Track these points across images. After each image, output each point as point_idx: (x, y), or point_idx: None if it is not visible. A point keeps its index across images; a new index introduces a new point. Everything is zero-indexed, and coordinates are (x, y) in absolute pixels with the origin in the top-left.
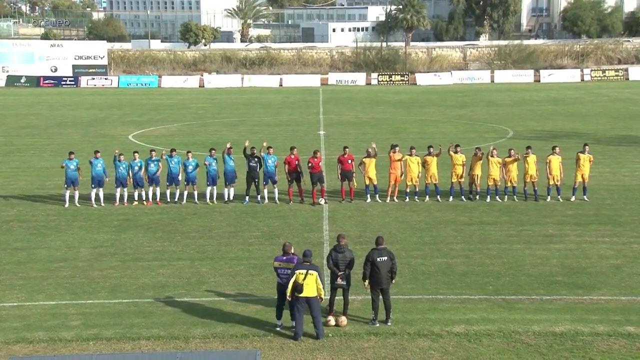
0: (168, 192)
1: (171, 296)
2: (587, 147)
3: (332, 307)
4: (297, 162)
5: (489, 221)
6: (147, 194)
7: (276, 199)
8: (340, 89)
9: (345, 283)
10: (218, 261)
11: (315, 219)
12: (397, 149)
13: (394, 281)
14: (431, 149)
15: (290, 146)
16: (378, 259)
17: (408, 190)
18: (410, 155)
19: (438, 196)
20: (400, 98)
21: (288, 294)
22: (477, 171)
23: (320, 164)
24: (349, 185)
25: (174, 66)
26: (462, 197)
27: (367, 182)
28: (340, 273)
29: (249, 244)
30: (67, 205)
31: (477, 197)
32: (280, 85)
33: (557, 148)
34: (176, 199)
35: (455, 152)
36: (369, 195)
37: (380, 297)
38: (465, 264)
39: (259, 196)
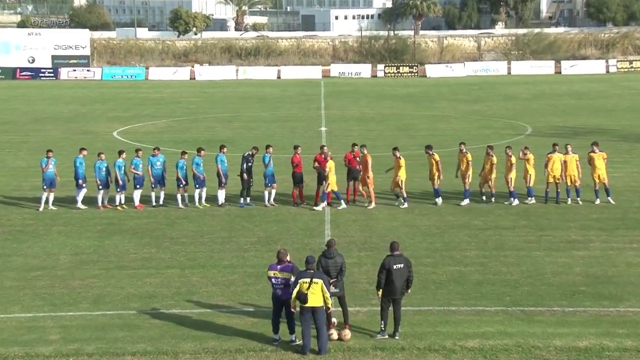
0: (153, 195)
1: (159, 308)
2: (595, 146)
3: (331, 319)
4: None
5: (505, 225)
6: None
7: (272, 200)
8: (344, 82)
9: (338, 290)
10: (210, 269)
11: (316, 223)
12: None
13: (408, 291)
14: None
15: (293, 144)
16: (394, 267)
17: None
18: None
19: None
20: (408, 91)
21: (292, 305)
22: (493, 174)
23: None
24: (354, 185)
25: (163, 57)
26: (483, 197)
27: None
28: (332, 280)
29: (244, 250)
30: (41, 209)
31: (493, 199)
32: (278, 77)
33: (569, 146)
34: (156, 202)
35: (461, 150)
36: (342, 201)
37: (390, 307)
38: (480, 273)
39: (248, 198)
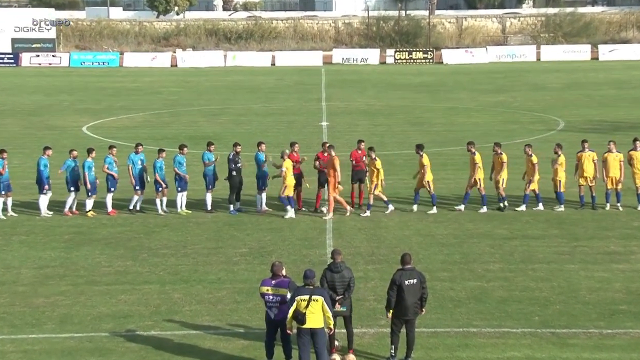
0: (135, 198)
1: (135, 329)
2: (612, 143)
3: (334, 341)
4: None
5: (534, 235)
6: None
7: (264, 205)
8: (348, 69)
9: (345, 309)
10: (194, 285)
11: (316, 232)
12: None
13: (423, 311)
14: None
15: (290, 141)
16: (406, 283)
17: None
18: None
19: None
20: (422, 80)
21: (287, 326)
22: (504, 174)
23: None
24: (360, 188)
25: (140, 40)
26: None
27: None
28: (338, 297)
29: (234, 263)
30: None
31: (503, 204)
32: (273, 64)
33: (612, 143)
34: (133, 207)
35: (469, 151)
36: (290, 209)
37: (402, 329)
38: (504, 289)
39: (238, 204)
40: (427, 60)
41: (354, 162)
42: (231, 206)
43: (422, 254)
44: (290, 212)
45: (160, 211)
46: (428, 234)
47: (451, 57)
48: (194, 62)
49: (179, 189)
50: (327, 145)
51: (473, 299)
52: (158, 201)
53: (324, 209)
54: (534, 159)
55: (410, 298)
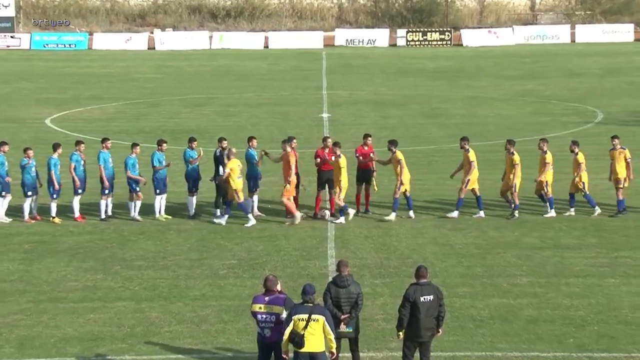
0: (103, 203)
1: (106, 353)
2: (616, 140)
3: None
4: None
5: (568, 244)
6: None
7: (256, 209)
8: (352, 53)
9: (351, 330)
10: (175, 302)
11: (316, 241)
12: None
13: (439, 332)
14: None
15: (288, 136)
16: (421, 299)
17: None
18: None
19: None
20: (438, 65)
21: (283, 350)
22: (517, 177)
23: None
24: (366, 189)
25: (112, 19)
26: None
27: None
28: (344, 316)
29: (221, 276)
30: None
31: (516, 213)
32: (266, 46)
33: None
34: (104, 213)
35: (462, 148)
36: (223, 217)
37: (416, 353)
38: (534, 307)
39: (219, 209)
40: (444, 42)
41: (360, 158)
42: (217, 211)
43: (439, 266)
44: (251, 220)
45: (135, 216)
46: (445, 243)
47: (472, 38)
48: (174, 44)
49: (157, 191)
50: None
51: (498, 318)
52: (132, 205)
53: (325, 212)
54: (549, 157)
55: (425, 317)
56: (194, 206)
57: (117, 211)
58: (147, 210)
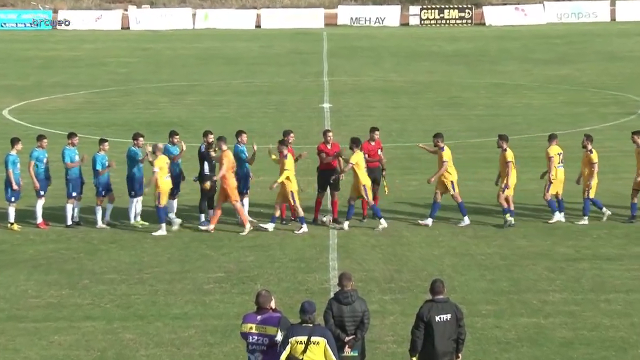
0: (69, 207)
1: None
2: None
3: None
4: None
5: (608, 254)
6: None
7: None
8: (358, 33)
9: (357, 354)
10: (153, 321)
11: (315, 251)
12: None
13: (459, 357)
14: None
15: (283, 130)
16: (437, 319)
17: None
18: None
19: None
20: (457, 48)
21: None
22: (511, 178)
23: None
24: (374, 191)
25: None
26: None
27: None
28: (348, 338)
29: (205, 292)
30: None
31: (512, 219)
32: (257, 26)
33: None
34: (72, 219)
35: (436, 146)
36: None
37: None
38: (568, 327)
39: (211, 213)
40: (465, 21)
41: (366, 156)
42: (202, 216)
43: (458, 281)
44: (162, 230)
45: (101, 223)
46: (466, 252)
47: (496, 16)
48: (152, 23)
49: (132, 193)
50: (329, 133)
51: (526, 340)
52: (99, 210)
53: (326, 219)
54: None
55: (442, 339)
56: (175, 210)
57: (85, 216)
58: (121, 215)
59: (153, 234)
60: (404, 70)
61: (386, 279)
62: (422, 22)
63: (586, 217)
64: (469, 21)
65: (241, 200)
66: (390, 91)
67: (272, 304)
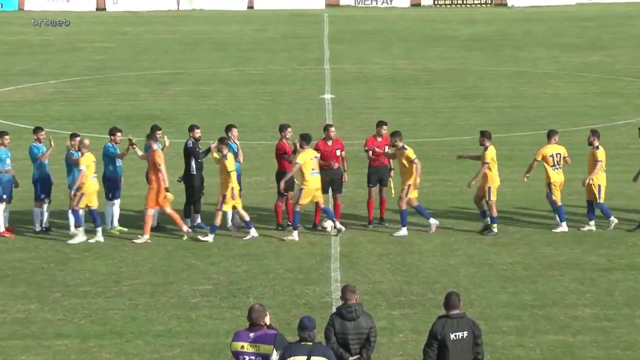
0: (37, 211)
1: None
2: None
3: None
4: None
5: None
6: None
7: (239, 218)
8: (363, 16)
9: None
10: (133, 339)
11: (315, 260)
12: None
13: None
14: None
15: (279, 123)
16: (452, 336)
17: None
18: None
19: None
20: (475, 32)
21: None
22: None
23: (338, 152)
24: (380, 193)
25: None
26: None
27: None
28: (352, 358)
29: (191, 306)
30: None
31: (493, 226)
32: (250, 7)
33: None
34: (40, 225)
35: (396, 146)
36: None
37: None
38: (599, 346)
39: (198, 217)
40: (484, 2)
41: (371, 154)
42: (187, 220)
43: (476, 293)
44: (98, 236)
45: (73, 229)
46: (484, 262)
47: None
48: (131, 3)
49: (110, 195)
50: (331, 128)
51: None
52: (71, 214)
53: (327, 224)
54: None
55: (458, 359)
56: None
57: (56, 221)
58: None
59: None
60: (416, 57)
61: (395, 291)
62: (436, 2)
63: (613, 218)
64: (489, 1)
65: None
66: (399, 80)
67: (267, 320)
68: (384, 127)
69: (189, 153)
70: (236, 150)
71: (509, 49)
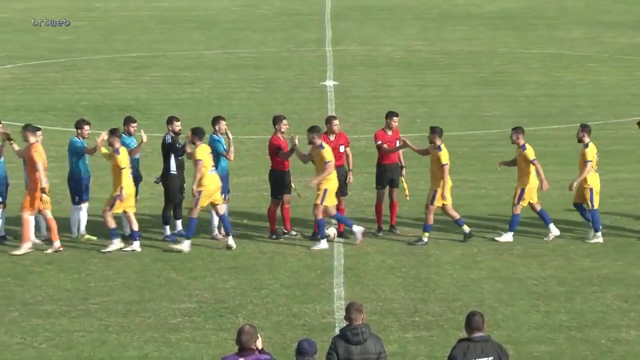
0: None
1: None
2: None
3: None
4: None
5: None
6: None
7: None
8: None
9: None
10: None
11: (316, 274)
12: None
13: None
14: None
15: (273, 115)
16: None
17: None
18: None
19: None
20: (503, 7)
21: None
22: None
23: (342, 148)
24: (391, 195)
25: None
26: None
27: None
28: None
29: (171, 328)
30: None
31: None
32: None
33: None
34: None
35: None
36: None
37: None
38: None
39: (179, 223)
40: None
41: (383, 147)
42: (167, 228)
43: (503, 313)
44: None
45: (33, 238)
46: (512, 276)
47: None
48: None
49: (76, 198)
50: (334, 121)
51: None
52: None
53: (330, 232)
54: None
55: None
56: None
57: (12, 229)
58: (61, 226)
59: (102, 250)
60: (433, 38)
61: (408, 310)
62: None
63: (599, 233)
64: None
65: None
66: (414, 65)
67: (259, 344)
68: (395, 118)
69: (168, 149)
70: (225, 147)
71: (542, 28)
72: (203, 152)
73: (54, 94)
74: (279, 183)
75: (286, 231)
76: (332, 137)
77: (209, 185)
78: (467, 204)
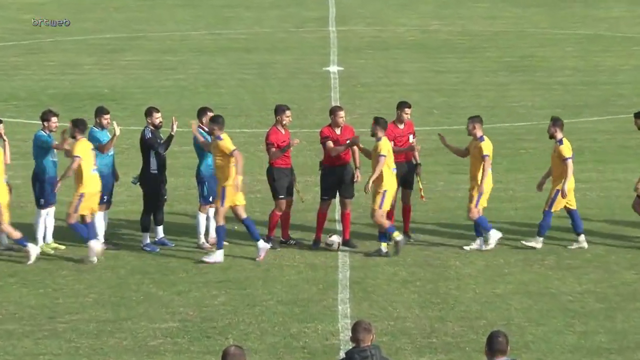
0: None
1: None
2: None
3: None
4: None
5: None
6: None
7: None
8: None
9: None
10: None
11: (318, 289)
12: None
13: None
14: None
15: (276, 104)
16: None
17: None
18: None
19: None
20: None
21: None
22: None
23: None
24: (403, 199)
25: None
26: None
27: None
28: None
29: (150, 351)
30: None
31: None
32: None
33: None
34: None
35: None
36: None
37: None
38: None
39: (160, 229)
40: None
41: (394, 144)
42: (147, 236)
43: (533, 334)
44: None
45: None
46: (544, 291)
47: None
48: None
49: (42, 201)
50: (339, 112)
51: None
52: None
53: (333, 240)
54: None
55: None
56: (105, 227)
57: None
58: (25, 233)
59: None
60: (452, 16)
61: (424, 331)
62: None
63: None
64: None
65: (202, 212)
66: (430, 47)
67: None
68: (408, 109)
69: (147, 145)
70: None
71: (578, 5)
72: (83, 148)
73: (15, 81)
74: (279, 182)
75: (284, 240)
76: (337, 130)
77: (92, 187)
78: (493, 208)
